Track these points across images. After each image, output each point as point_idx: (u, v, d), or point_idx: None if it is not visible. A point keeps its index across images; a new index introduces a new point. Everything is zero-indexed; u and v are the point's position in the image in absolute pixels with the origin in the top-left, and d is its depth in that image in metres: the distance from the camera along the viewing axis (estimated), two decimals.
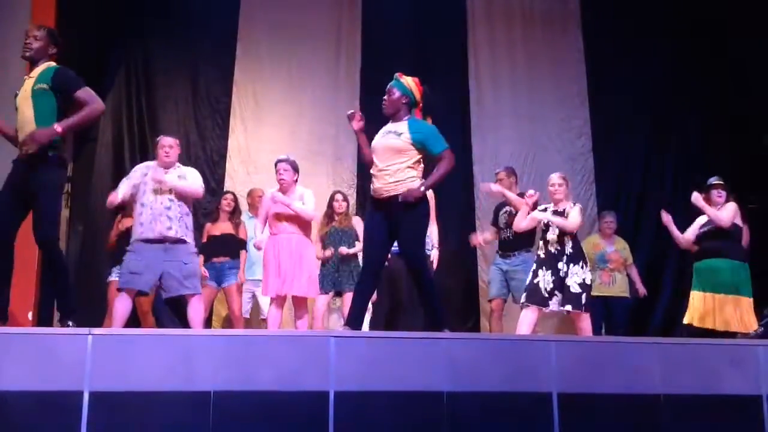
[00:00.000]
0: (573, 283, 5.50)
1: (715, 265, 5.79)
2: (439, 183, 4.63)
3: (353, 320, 4.52)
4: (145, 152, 7.70)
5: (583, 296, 5.50)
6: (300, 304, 5.68)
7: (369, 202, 4.78)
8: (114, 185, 7.67)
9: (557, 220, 5.66)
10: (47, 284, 6.83)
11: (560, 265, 5.57)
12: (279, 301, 5.63)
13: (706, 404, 4.10)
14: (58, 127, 4.29)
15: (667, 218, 6.14)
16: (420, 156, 4.58)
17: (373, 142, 4.68)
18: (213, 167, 7.91)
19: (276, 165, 5.76)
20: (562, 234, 5.64)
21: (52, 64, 4.47)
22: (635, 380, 4.10)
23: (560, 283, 5.54)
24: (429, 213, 4.74)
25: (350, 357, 3.89)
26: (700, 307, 5.78)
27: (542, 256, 5.69)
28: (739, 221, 5.93)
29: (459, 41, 8.55)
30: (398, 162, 4.53)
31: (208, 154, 7.99)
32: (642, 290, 7.21)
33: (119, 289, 5.24)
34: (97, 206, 7.65)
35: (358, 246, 6.21)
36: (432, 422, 3.83)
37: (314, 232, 6.18)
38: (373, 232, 4.65)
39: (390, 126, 4.67)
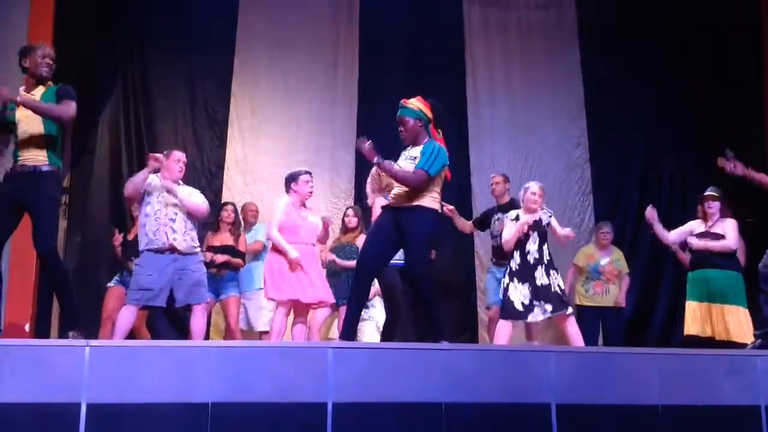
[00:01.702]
0: (557, 288, 5.54)
1: (709, 276, 5.81)
2: (389, 174, 4.56)
3: (347, 332, 4.52)
4: (143, 163, 7.68)
5: (564, 299, 5.59)
6: (303, 312, 5.69)
7: (383, 211, 4.76)
8: (111, 196, 7.75)
9: (561, 230, 5.70)
10: (45, 296, 6.83)
11: (537, 274, 5.56)
12: (286, 309, 5.64)
13: (705, 415, 4.10)
14: (19, 97, 4.38)
15: (651, 214, 6.04)
16: (439, 180, 4.62)
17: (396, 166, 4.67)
18: (210, 178, 7.90)
19: (302, 176, 5.71)
20: (543, 242, 5.65)
21: (51, 84, 4.57)
22: (634, 391, 4.09)
23: (545, 292, 5.52)
24: (438, 229, 4.75)
25: (348, 368, 3.89)
26: (695, 316, 5.78)
27: (514, 267, 5.63)
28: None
29: (456, 52, 8.56)
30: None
31: (206, 165, 7.99)
32: (622, 302, 7.16)
33: (128, 304, 5.21)
34: (95, 217, 7.66)
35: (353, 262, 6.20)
36: None
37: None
38: (375, 241, 4.64)
39: (410, 151, 4.67)
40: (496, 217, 6.58)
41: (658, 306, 8.05)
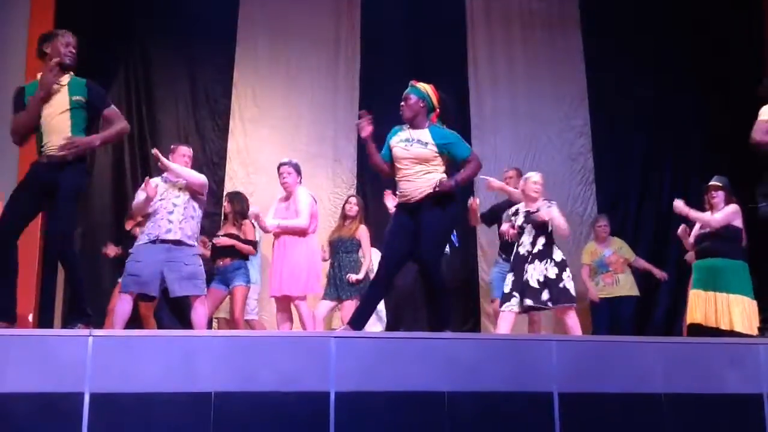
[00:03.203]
0: (568, 281, 5.51)
1: (714, 264, 5.78)
2: (466, 184, 4.71)
3: (356, 321, 4.51)
4: (145, 155, 7.70)
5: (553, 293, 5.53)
6: (285, 305, 5.71)
7: (398, 209, 4.73)
8: (113, 187, 7.75)
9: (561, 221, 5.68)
10: (48, 286, 6.83)
11: (527, 267, 5.52)
12: (284, 304, 5.66)
13: (707, 403, 4.11)
14: (97, 141, 4.52)
15: (680, 206, 5.99)
16: (446, 163, 4.63)
17: (396, 152, 4.64)
18: (213, 169, 7.89)
19: (279, 168, 5.78)
20: (538, 235, 5.63)
21: (72, 74, 4.54)
22: (636, 380, 4.10)
23: (526, 285, 5.48)
24: (456, 220, 4.78)
25: (351, 357, 3.89)
26: (700, 305, 5.77)
27: (527, 252, 5.58)
28: (738, 223, 5.90)
29: (458, 42, 8.55)
30: (426, 170, 4.56)
31: (208, 156, 7.99)
32: (660, 274, 7.23)
33: (121, 292, 5.26)
34: (97, 208, 7.66)
35: (361, 274, 6.18)
36: (433, 423, 3.83)
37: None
38: (395, 238, 4.62)
39: (411, 133, 4.64)
40: (507, 213, 6.54)
41: (660, 296, 8.05)
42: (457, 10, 8.56)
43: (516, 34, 8.70)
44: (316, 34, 8.40)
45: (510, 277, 5.55)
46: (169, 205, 5.33)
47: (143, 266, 5.18)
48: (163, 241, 5.24)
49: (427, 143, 4.57)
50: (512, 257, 5.67)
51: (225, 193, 7.33)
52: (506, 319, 5.49)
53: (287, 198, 5.78)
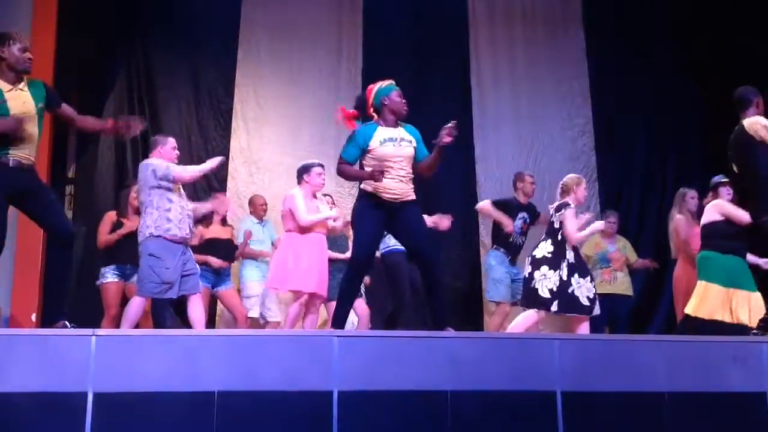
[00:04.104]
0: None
1: (732, 262, 5.65)
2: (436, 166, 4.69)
3: (337, 321, 4.61)
4: (147, 153, 7.68)
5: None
6: (314, 303, 5.78)
7: (372, 202, 4.66)
8: (116, 186, 7.74)
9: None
10: (51, 285, 6.83)
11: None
12: (300, 299, 5.71)
13: (711, 402, 4.10)
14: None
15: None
16: None
17: (385, 150, 4.56)
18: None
19: (314, 168, 5.87)
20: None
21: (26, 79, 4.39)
22: (639, 378, 4.09)
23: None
24: None
25: (354, 356, 3.89)
26: (724, 302, 5.59)
27: (572, 261, 5.60)
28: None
29: (460, 41, 8.55)
30: (411, 174, 4.63)
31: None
32: (652, 264, 7.25)
33: (141, 295, 5.23)
34: (99, 206, 7.65)
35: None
36: (435, 421, 3.83)
37: None
38: (371, 233, 4.64)
39: (393, 132, 4.63)
40: (521, 216, 6.56)
41: (663, 294, 8.02)
42: (459, 9, 8.56)
43: (518, 34, 8.71)
44: (318, 35, 8.41)
45: (588, 282, 5.59)
46: (187, 207, 5.39)
47: (172, 272, 5.17)
48: (183, 241, 5.31)
49: (410, 141, 4.62)
50: (576, 261, 5.63)
51: (227, 192, 7.33)
52: (530, 318, 5.58)
53: (312, 197, 5.81)
